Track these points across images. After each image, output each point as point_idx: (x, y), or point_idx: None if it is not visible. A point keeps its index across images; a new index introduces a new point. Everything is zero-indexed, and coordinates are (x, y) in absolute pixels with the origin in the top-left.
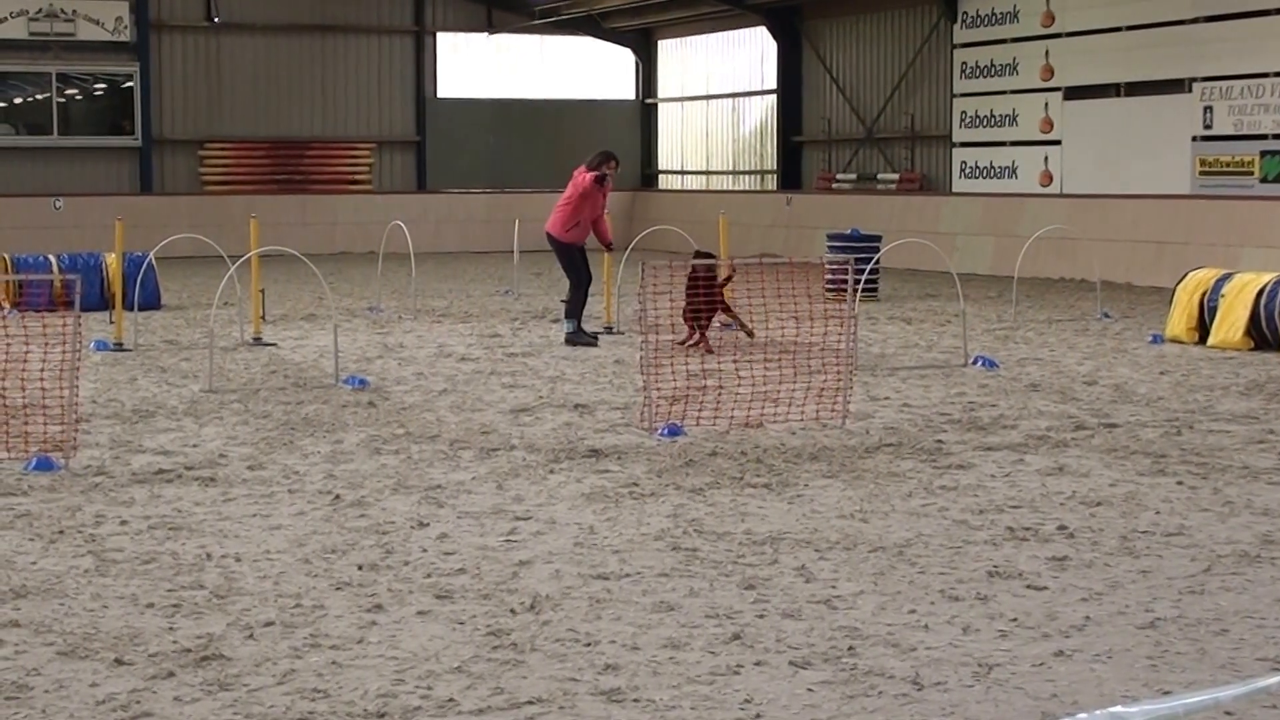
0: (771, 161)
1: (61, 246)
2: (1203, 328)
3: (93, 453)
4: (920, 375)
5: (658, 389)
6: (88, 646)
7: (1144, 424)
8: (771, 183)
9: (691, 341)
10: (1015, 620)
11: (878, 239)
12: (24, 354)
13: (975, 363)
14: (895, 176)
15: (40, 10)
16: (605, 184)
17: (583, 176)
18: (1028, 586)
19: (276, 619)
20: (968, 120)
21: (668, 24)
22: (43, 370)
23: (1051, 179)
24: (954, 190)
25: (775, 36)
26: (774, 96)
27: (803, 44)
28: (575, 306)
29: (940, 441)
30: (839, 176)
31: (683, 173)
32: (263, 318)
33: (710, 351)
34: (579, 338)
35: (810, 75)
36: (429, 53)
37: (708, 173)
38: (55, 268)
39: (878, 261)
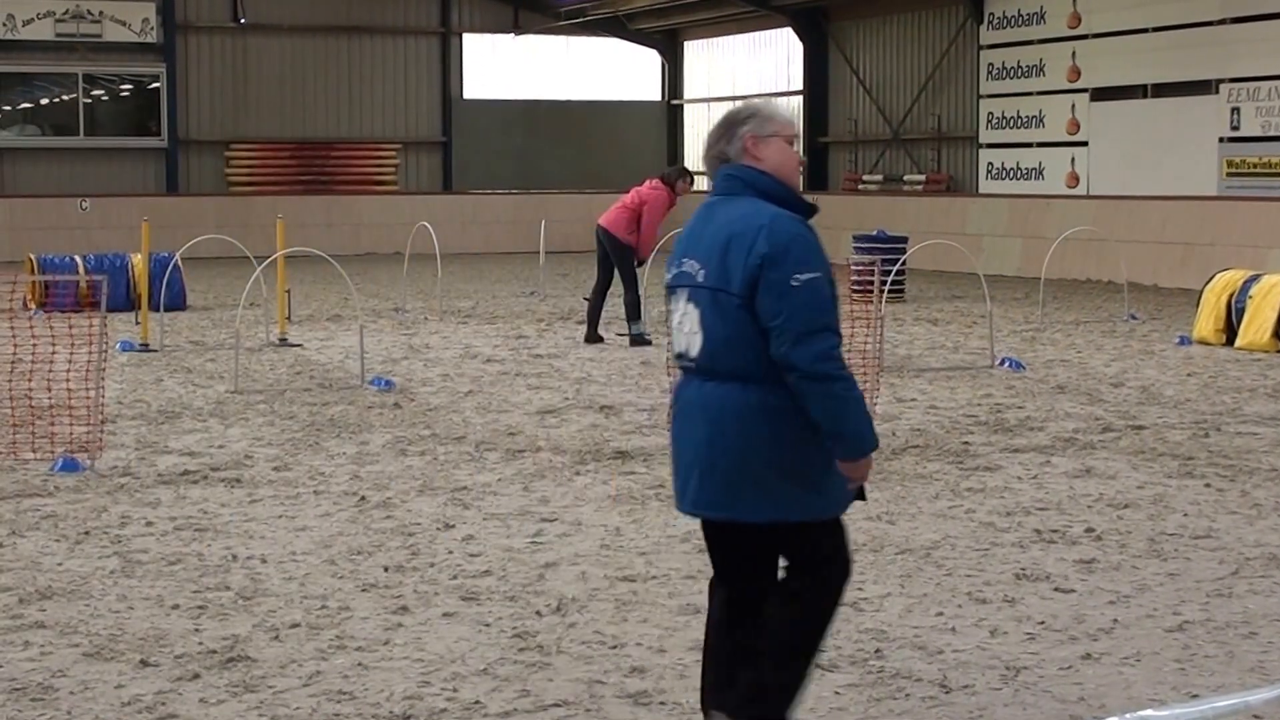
0: None
1: (88, 247)
2: (1230, 329)
3: (118, 454)
4: (947, 377)
5: None
6: (113, 648)
7: (1171, 426)
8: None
9: None
10: (1043, 623)
11: (904, 240)
12: (50, 355)
13: (1002, 364)
14: (922, 177)
15: (67, 11)
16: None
17: (656, 190)
18: (1055, 589)
19: (302, 620)
20: (994, 121)
21: (693, 25)
22: (69, 371)
23: (1078, 180)
24: (980, 191)
25: (801, 37)
26: (800, 97)
27: (829, 45)
28: (636, 307)
29: (967, 443)
30: (865, 177)
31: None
32: (288, 319)
33: None
34: (644, 338)
35: (836, 76)
36: (455, 54)
37: None
38: (81, 268)
39: (904, 262)
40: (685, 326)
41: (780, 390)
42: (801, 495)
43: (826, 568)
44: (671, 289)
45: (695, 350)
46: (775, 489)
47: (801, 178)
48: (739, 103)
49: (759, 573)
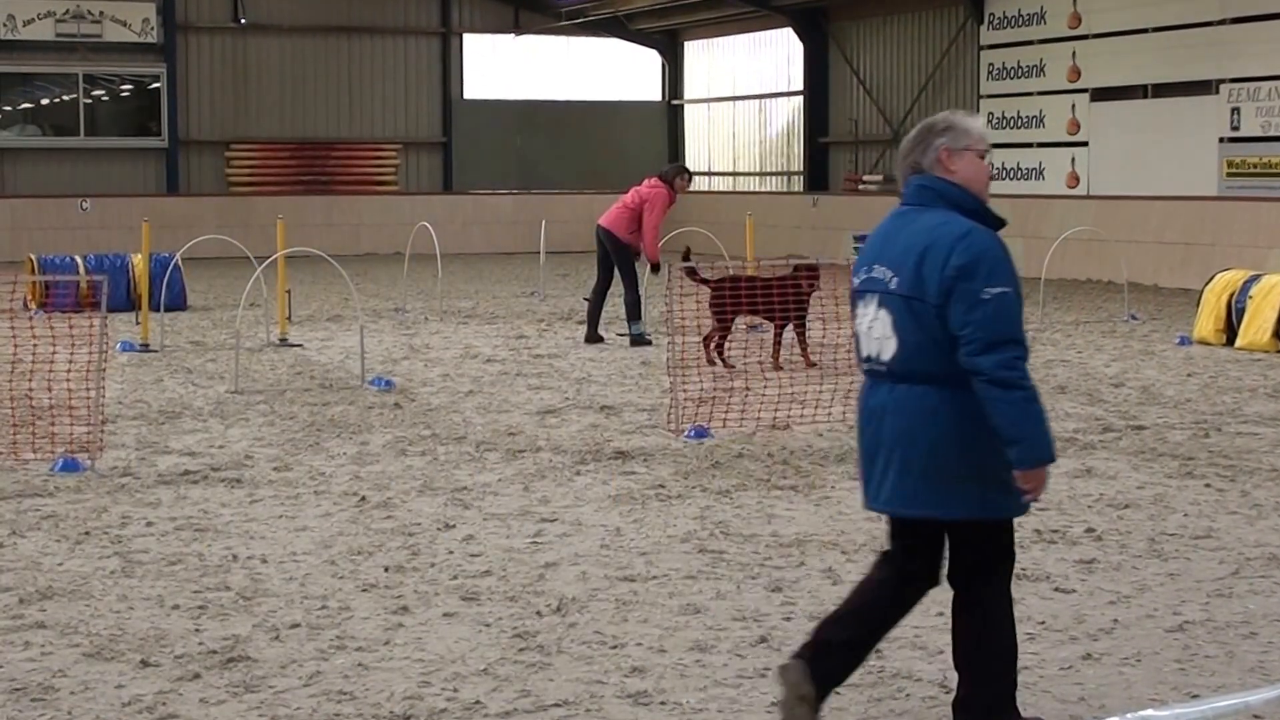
0: (798, 163)
1: (88, 247)
2: (1230, 329)
3: (119, 454)
4: None
5: (684, 390)
6: (114, 648)
7: (1172, 426)
8: (798, 184)
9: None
10: (1043, 623)
11: None
12: (51, 355)
13: None
14: None
15: (67, 11)
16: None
17: (655, 189)
18: (1056, 589)
19: (302, 621)
20: (994, 121)
21: (694, 25)
22: (69, 371)
23: (1078, 180)
24: None
25: (802, 38)
26: (800, 98)
27: (829, 45)
28: (637, 307)
29: None
30: (866, 177)
31: (709, 174)
32: (289, 319)
33: (780, 366)
34: (644, 339)
35: (837, 76)
36: (455, 54)
37: (734, 174)
38: (82, 269)
39: None
40: (875, 331)
41: (972, 393)
42: (990, 494)
43: (1001, 564)
44: (860, 294)
45: (888, 355)
46: (967, 488)
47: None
48: (936, 115)
49: (936, 563)
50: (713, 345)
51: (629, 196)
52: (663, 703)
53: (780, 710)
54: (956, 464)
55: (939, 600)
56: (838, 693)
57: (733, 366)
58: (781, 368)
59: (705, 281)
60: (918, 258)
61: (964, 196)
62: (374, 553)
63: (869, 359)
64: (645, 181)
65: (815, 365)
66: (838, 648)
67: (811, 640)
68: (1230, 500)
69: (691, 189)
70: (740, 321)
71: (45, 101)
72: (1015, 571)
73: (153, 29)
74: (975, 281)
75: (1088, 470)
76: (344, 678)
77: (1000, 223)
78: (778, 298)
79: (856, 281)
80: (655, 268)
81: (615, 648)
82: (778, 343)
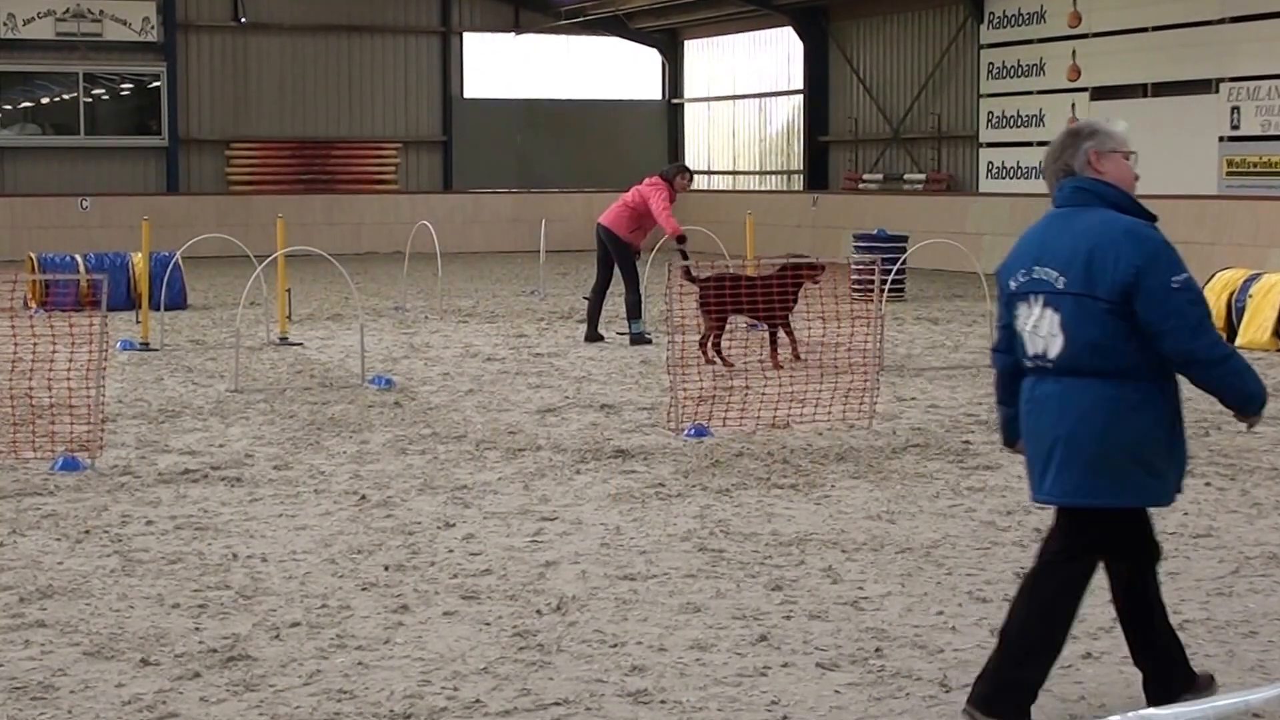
0: (798, 162)
1: (88, 246)
2: (1230, 328)
3: (119, 453)
4: (947, 376)
5: (684, 389)
6: (114, 647)
7: None
8: (798, 183)
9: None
10: None
11: (904, 239)
12: (51, 354)
13: None
14: (922, 176)
15: (67, 10)
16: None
17: (655, 185)
18: None
19: (303, 619)
20: (995, 120)
21: (694, 24)
22: (69, 370)
23: None
24: (981, 190)
25: (802, 37)
26: (800, 97)
27: (829, 44)
28: (637, 307)
29: (967, 442)
30: (865, 177)
31: (709, 173)
32: (289, 318)
33: (780, 365)
34: (644, 337)
35: (837, 75)
36: (455, 53)
37: (734, 173)
38: (82, 267)
39: (904, 262)
40: (1041, 330)
41: (1138, 385)
42: (1150, 482)
43: (1149, 548)
44: (1023, 295)
45: (1055, 351)
46: (1130, 477)
47: (800, 177)
48: (1079, 122)
49: (1098, 551)
50: (710, 345)
51: (629, 195)
52: (662, 701)
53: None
54: (1120, 455)
55: (939, 599)
56: (837, 691)
57: (732, 364)
58: (781, 366)
59: (694, 280)
60: (1086, 257)
61: (1120, 195)
62: (374, 551)
63: (1035, 356)
64: (645, 180)
65: (799, 360)
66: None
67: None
68: (1230, 499)
69: (692, 188)
70: (738, 320)
71: (45, 100)
72: (1016, 570)
73: (153, 28)
74: (1159, 275)
75: None
76: (344, 676)
77: (1153, 217)
78: (764, 297)
79: (1014, 284)
80: (682, 238)
81: (615, 646)
82: (774, 342)
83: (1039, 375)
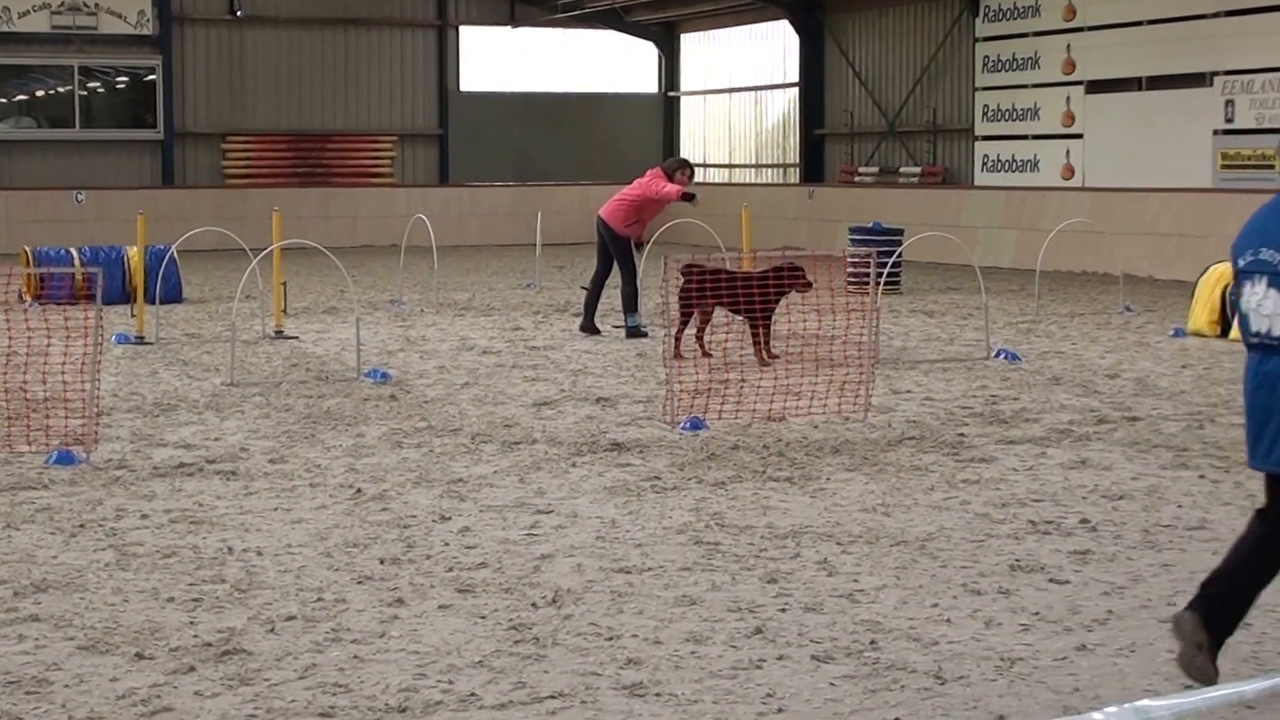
0: (794, 155)
1: (83, 240)
2: (1224, 321)
3: (114, 446)
4: (942, 369)
5: (680, 382)
6: (108, 641)
7: (1166, 417)
8: (794, 176)
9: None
10: (1037, 614)
11: (900, 232)
12: (45, 347)
13: (998, 356)
14: (917, 170)
15: (63, 3)
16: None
17: (656, 182)
18: (1050, 580)
19: (298, 613)
20: (990, 114)
21: (690, 17)
22: (64, 363)
23: (1073, 172)
24: (976, 184)
25: (797, 30)
26: (796, 90)
27: (825, 37)
28: (633, 300)
29: (962, 435)
30: (861, 170)
31: (705, 166)
32: (284, 311)
33: (766, 362)
34: (640, 330)
35: (832, 68)
36: (451, 46)
37: (730, 166)
38: (77, 261)
39: (900, 254)
40: (1265, 309)
41: None
42: None
43: None
44: (1248, 274)
45: (1279, 330)
46: None
47: (796, 170)
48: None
49: None
50: (701, 337)
51: (630, 188)
52: (658, 694)
53: (1179, 660)
54: None
55: (934, 591)
56: (832, 683)
57: (709, 354)
58: (768, 364)
59: (687, 270)
60: None
61: None
62: (369, 545)
63: (1258, 334)
64: (647, 174)
65: (774, 359)
66: (1223, 599)
67: (1199, 594)
68: (1224, 491)
69: (692, 181)
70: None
71: (40, 93)
72: (1010, 563)
73: (148, 21)
74: None
75: (1082, 461)
76: (339, 670)
77: None
78: (747, 294)
79: (1242, 263)
80: (690, 196)
81: (611, 639)
82: (756, 340)
83: (1264, 352)
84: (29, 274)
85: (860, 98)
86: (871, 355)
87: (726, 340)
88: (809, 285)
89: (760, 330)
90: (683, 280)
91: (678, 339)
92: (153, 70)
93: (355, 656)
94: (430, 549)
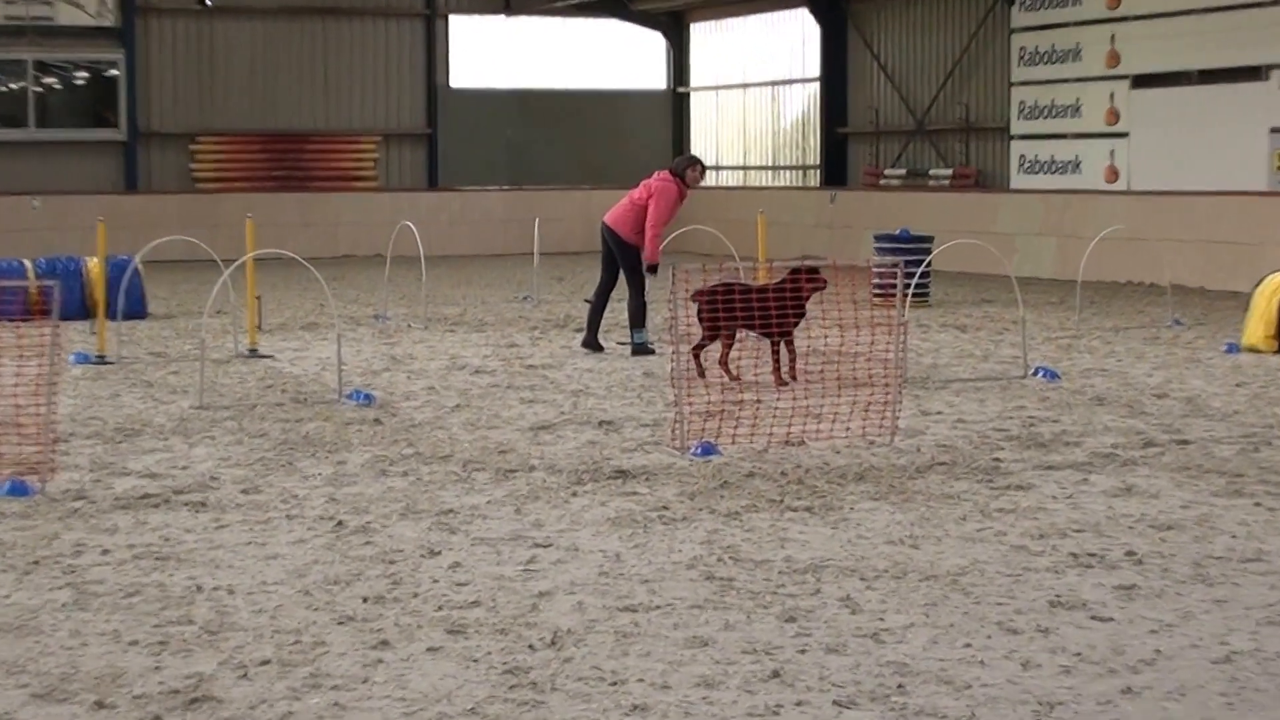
0: (814, 155)
1: (39, 250)
2: None
3: (72, 475)
4: (976, 388)
5: (690, 404)
6: (65, 688)
7: (1218, 440)
8: (814, 178)
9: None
10: (1079, 655)
11: (929, 240)
12: None
13: (1036, 374)
14: (948, 172)
15: None
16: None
17: (665, 183)
18: (1092, 617)
19: (273, 657)
20: (1027, 111)
21: (701, 5)
22: (17, 385)
23: (1118, 175)
24: (1012, 187)
25: (818, 19)
26: (817, 85)
27: (848, 28)
28: (641, 314)
29: (997, 460)
30: (887, 172)
31: (718, 168)
32: (259, 327)
33: (784, 382)
34: (647, 347)
35: (856, 62)
36: (441, 38)
37: (745, 168)
38: (31, 273)
39: (929, 264)
40: None
41: None
42: None
43: None
44: None
45: None
46: None
47: (816, 172)
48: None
49: None
50: (725, 361)
51: (637, 192)
52: None
53: None
54: None
55: (967, 630)
56: None
57: (737, 378)
58: (786, 384)
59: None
60: None
61: None
62: (351, 582)
63: None
64: (655, 175)
65: (794, 380)
66: None
67: None
68: None
69: (704, 179)
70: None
71: None
72: (1049, 599)
73: (110, 11)
74: None
75: (1128, 488)
76: (319, 719)
77: None
78: (764, 309)
79: None
80: (653, 269)
81: (615, 684)
82: (776, 358)
83: None
84: None
85: (886, 93)
86: (899, 374)
87: (740, 358)
88: (824, 283)
89: (782, 348)
90: (695, 306)
91: (696, 356)
92: (114, 65)
93: (336, 704)
94: (418, 586)
